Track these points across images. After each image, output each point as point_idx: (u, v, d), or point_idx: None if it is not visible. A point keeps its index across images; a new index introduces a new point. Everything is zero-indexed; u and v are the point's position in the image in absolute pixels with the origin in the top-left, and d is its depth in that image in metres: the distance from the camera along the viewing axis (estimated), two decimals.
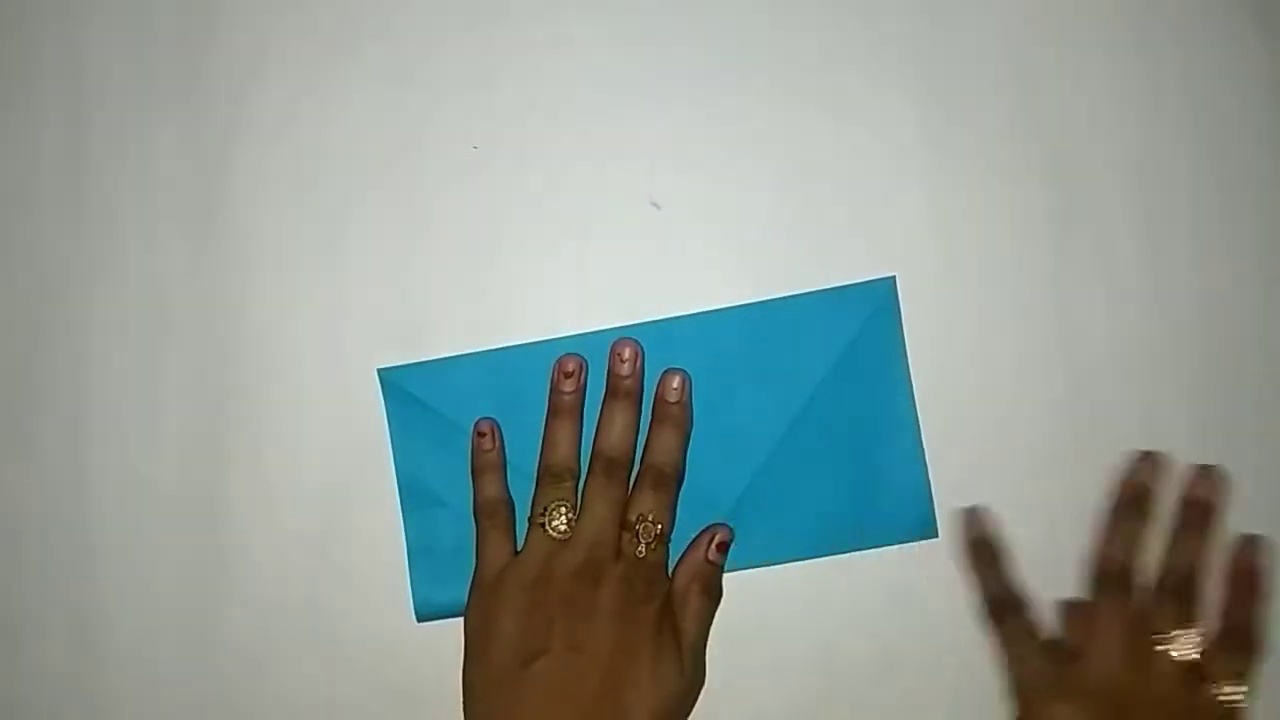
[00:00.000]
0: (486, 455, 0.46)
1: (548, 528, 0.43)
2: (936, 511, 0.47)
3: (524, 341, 0.47)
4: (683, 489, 0.46)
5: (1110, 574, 0.44)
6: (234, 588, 0.48)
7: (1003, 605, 0.45)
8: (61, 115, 0.49)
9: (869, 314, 0.47)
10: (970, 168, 0.48)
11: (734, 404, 0.46)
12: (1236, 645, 0.42)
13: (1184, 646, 0.41)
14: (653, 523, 0.43)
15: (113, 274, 0.48)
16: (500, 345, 0.47)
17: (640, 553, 0.43)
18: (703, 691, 0.44)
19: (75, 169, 0.49)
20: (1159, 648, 0.41)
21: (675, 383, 0.45)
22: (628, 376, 0.45)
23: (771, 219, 0.48)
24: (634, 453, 0.45)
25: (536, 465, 0.45)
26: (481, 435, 0.46)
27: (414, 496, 0.47)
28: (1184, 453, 0.47)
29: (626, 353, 0.45)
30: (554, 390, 0.46)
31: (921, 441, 0.47)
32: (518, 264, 0.48)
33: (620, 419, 0.45)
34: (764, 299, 0.47)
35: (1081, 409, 0.47)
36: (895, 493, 0.46)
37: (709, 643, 0.44)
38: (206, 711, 0.47)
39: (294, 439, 0.48)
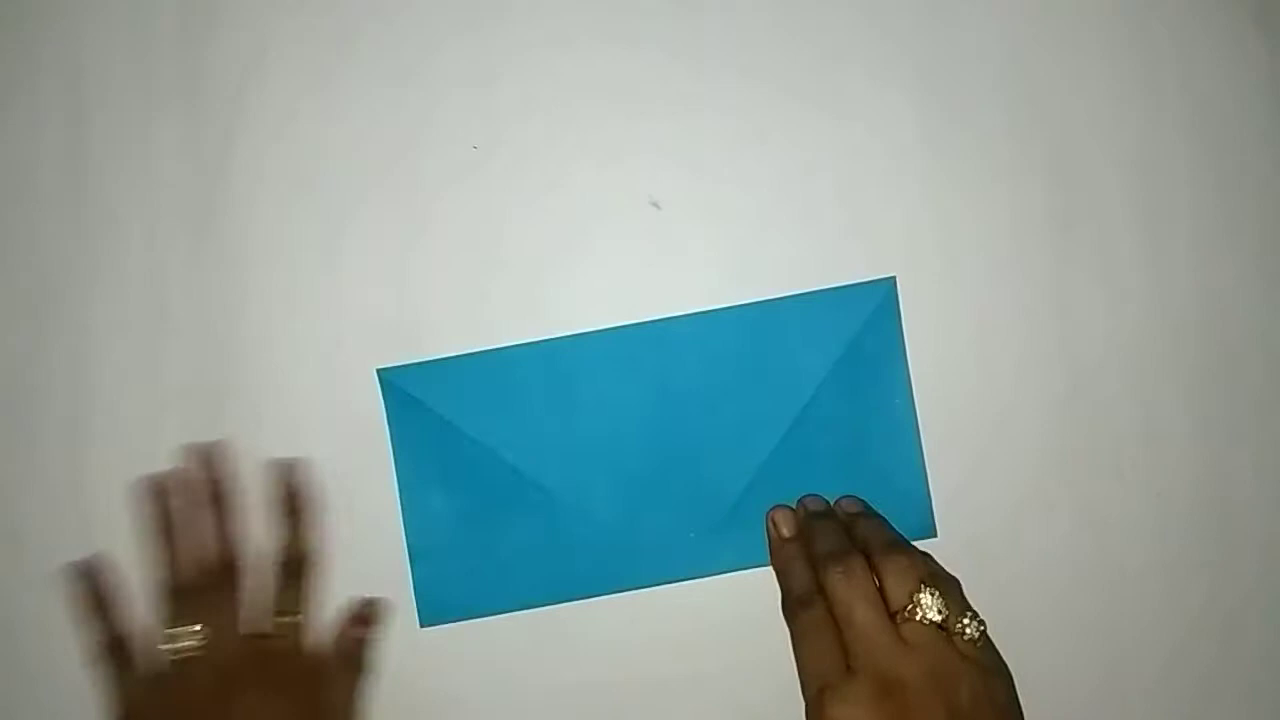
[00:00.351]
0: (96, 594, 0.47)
1: (178, 649, 0.44)
2: (935, 512, 0.47)
3: (523, 341, 0.47)
4: (686, 488, 0.46)
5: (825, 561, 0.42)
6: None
7: None
8: (61, 115, 0.49)
9: (869, 314, 0.47)
10: (970, 168, 0.48)
11: (734, 404, 0.46)
12: (940, 585, 0.41)
13: (926, 609, 0.40)
14: (291, 617, 0.45)
15: (113, 274, 0.48)
16: (500, 345, 0.47)
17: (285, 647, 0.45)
18: (699, 688, 0.44)
19: (75, 169, 0.49)
20: (904, 619, 0.40)
21: (285, 471, 0.47)
22: (209, 483, 0.47)
23: (771, 219, 0.48)
24: (236, 552, 0.46)
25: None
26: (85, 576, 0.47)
27: (414, 498, 0.47)
28: (1184, 452, 0.47)
29: (198, 461, 0.47)
30: (153, 505, 0.47)
31: (920, 443, 0.47)
32: (517, 264, 0.48)
33: (209, 531, 0.46)
34: (764, 299, 0.47)
35: (1081, 409, 0.47)
36: (894, 493, 0.46)
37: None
38: None
39: (293, 439, 0.48)
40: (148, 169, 0.49)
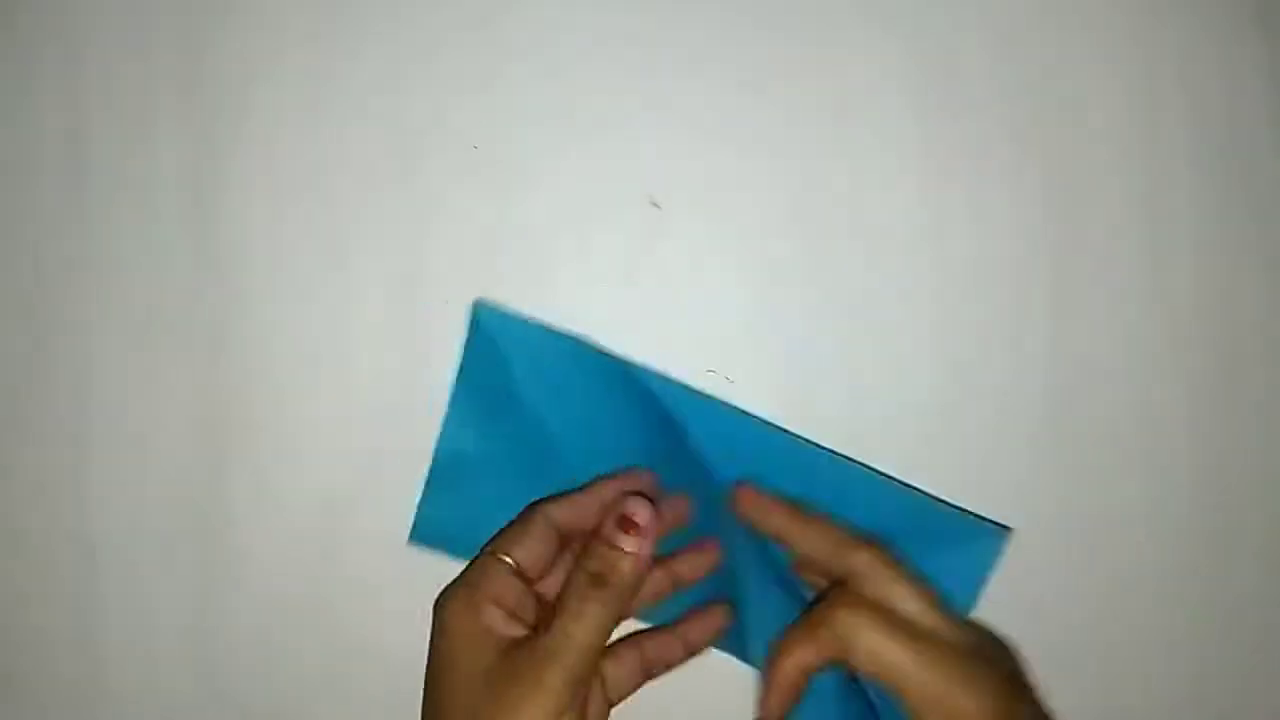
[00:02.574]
0: None
1: None
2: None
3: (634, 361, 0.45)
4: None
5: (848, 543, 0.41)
6: (236, 589, 0.48)
7: None
8: (61, 116, 0.49)
9: (968, 555, 0.45)
10: (970, 168, 0.48)
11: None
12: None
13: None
14: None
15: (113, 274, 0.48)
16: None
17: None
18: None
19: (75, 169, 0.49)
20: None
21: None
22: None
23: (771, 219, 0.48)
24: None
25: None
26: None
27: (455, 430, 0.45)
28: (1184, 452, 0.47)
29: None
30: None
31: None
32: (517, 263, 0.48)
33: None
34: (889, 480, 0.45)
35: (1081, 409, 0.47)
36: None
37: None
38: (208, 712, 0.48)
39: (296, 440, 0.48)
40: (148, 169, 0.49)
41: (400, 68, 0.49)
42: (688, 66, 0.48)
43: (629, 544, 0.40)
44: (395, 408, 0.48)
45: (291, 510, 0.48)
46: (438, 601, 0.41)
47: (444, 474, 0.46)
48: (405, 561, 0.47)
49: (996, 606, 0.45)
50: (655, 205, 0.48)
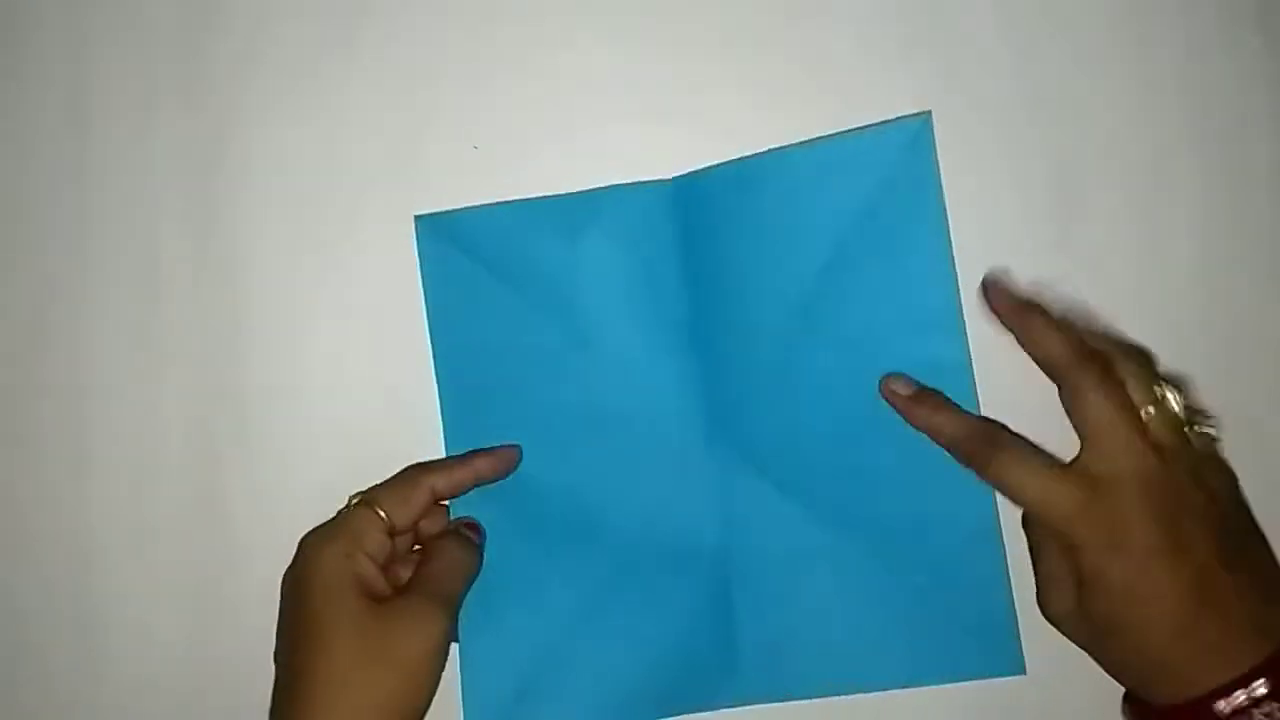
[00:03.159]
0: None
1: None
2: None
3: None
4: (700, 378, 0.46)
5: (1080, 358, 0.41)
6: (236, 588, 0.48)
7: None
8: (61, 115, 0.49)
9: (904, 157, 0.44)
10: (970, 168, 0.48)
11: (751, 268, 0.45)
12: (1175, 384, 0.41)
13: (1168, 406, 0.40)
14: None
15: (113, 273, 0.48)
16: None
17: None
18: None
19: (75, 169, 0.49)
20: (1148, 415, 0.40)
21: None
22: None
23: None
24: None
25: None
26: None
27: (448, 346, 0.47)
28: None
29: None
30: None
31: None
32: None
33: None
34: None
35: None
36: (933, 367, 0.44)
37: None
38: (208, 712, 0.47)
39: (295, 440, 0.48)
40: (147, 169, 0.49)
41: (400, 68, 0.49)
42: (690, 67, 0.48)
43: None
44: (395, 407, 0.48)
45: (291, 510, 0.47)
46: (309, 539, 0.42)
47: (453, 387, 0.46)
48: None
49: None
50: None
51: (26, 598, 0.47)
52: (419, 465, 0.45)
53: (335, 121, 0.49)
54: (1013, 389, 0.44)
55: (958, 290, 0.44)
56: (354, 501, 0.43)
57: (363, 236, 0.48)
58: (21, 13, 0.49)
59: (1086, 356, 0.41)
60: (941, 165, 0.46)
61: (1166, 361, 0.47)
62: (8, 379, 0.48)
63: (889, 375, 0.44)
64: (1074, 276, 0.47)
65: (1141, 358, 0.41)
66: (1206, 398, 0.47)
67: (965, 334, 0.44)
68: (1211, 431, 0.41)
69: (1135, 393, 0.40)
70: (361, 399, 0.48)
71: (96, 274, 0.48)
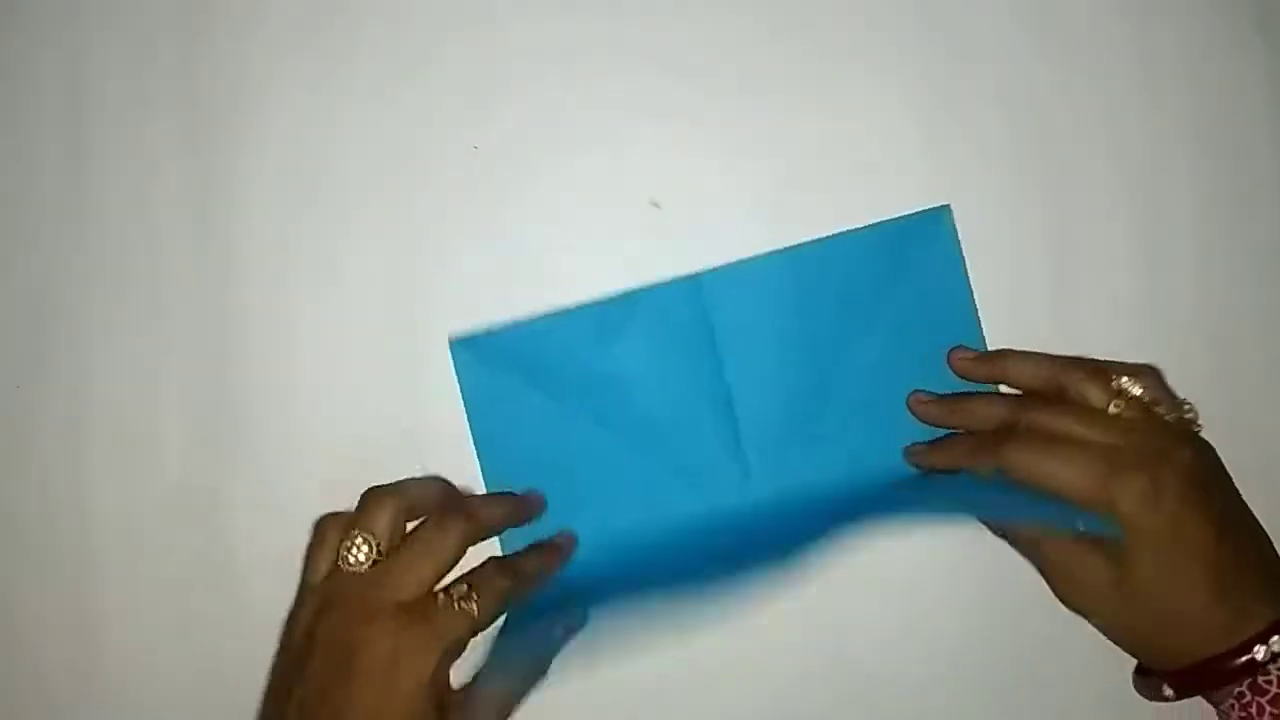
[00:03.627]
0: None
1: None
2: None
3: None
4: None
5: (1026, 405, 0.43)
6: (236, 588, 0.48)
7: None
8: (61, 115, 0.49)
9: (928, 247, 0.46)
10: (970, 168, 0.48)
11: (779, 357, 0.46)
12: (1134, 372, 0.42)
13: (1128, 393, 0.41)
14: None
15: (113, 274, 0.48)
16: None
17: None
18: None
19: (75, 169, 0.49)
20: (1116, 408, 0.41)
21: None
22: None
23: (771, 219, 0.48)
24: None
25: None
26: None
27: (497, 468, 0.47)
28: None
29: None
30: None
31: None
32: (517, 263, 0.48)
33: None
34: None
35: None
36: None
37: None
38: (208, 712, 0.47)
39: (295, 440, 0.48)
40: (148, 169, 0.49)
41: (400, 68, 0.49)
42: (689, 67, 0.48)
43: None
44: (395, 407, 0.48)
45: (291, 510, 0.48)
46: (386, 608, 0.39)
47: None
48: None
49: (1004, 594, 0.45)
50: (655, 205, 0.48)
51: (22, 598, 0.47)
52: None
53: (335, 122, 0.49)
54: None
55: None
56: (448, 591, 0.40)
57: (363, 237, 0.48)
58: (22, 14, 0.49)
59: (1032, 404, 0.42)
60: (940, 165, 0.47)
61: (1166, 363, 0.47)
62: (7, 379, 0.48)
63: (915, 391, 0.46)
64: (1074, 278, 0.47)
65: (1088, 365, 0.42)
66: (1206, 398, 0.47)
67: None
68: (1189, 415, 0.42)
69: (1096, 401, 0.41)
70: (361, 399, 0.48)
71: (97, 274, 0.48)
